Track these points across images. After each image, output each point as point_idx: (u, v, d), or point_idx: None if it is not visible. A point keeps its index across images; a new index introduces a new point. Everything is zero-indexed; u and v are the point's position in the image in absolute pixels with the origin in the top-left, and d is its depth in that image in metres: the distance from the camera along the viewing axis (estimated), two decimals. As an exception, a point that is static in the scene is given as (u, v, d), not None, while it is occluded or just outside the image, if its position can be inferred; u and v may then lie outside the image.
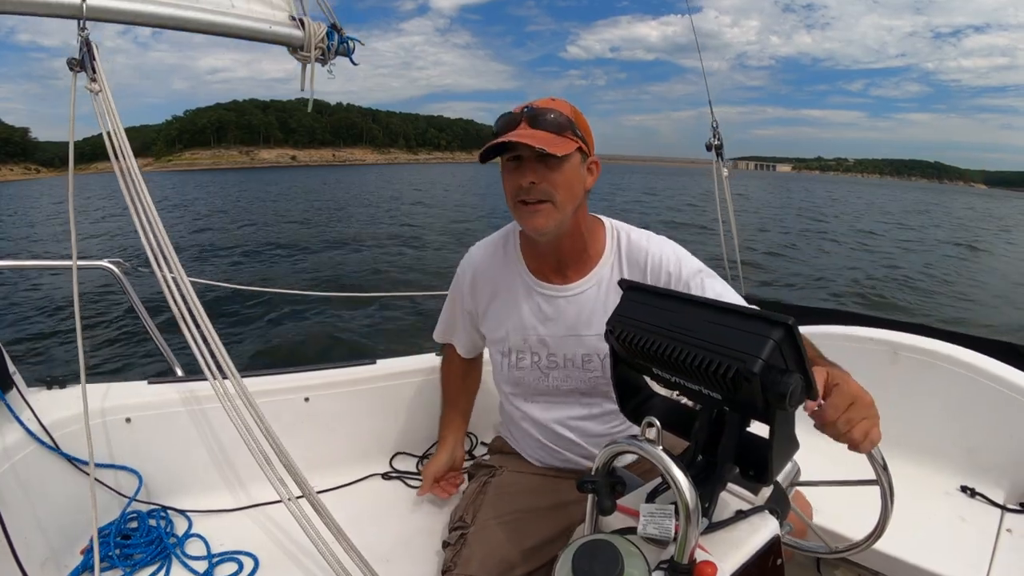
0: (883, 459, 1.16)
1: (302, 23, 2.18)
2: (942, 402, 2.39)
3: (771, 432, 1.01)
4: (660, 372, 1.13)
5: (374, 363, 2.65)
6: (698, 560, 0.99)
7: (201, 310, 1.44)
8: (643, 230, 1.74)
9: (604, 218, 1.76)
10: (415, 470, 2.52)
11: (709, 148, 3.38)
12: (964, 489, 2.27)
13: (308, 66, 2.20)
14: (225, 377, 1.44)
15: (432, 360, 2.71)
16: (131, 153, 1.56)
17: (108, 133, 1.61)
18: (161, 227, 1.51)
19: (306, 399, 2.44)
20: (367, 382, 2.57)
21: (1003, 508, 2.17)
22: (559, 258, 1.70)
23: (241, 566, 1.93)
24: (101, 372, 7.53)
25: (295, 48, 2.19)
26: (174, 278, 1.46)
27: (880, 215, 42.88)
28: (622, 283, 1.23)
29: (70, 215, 1.76)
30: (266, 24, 2.12)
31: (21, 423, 1.93)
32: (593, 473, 1.12)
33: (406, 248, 19.30)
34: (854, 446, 1.06)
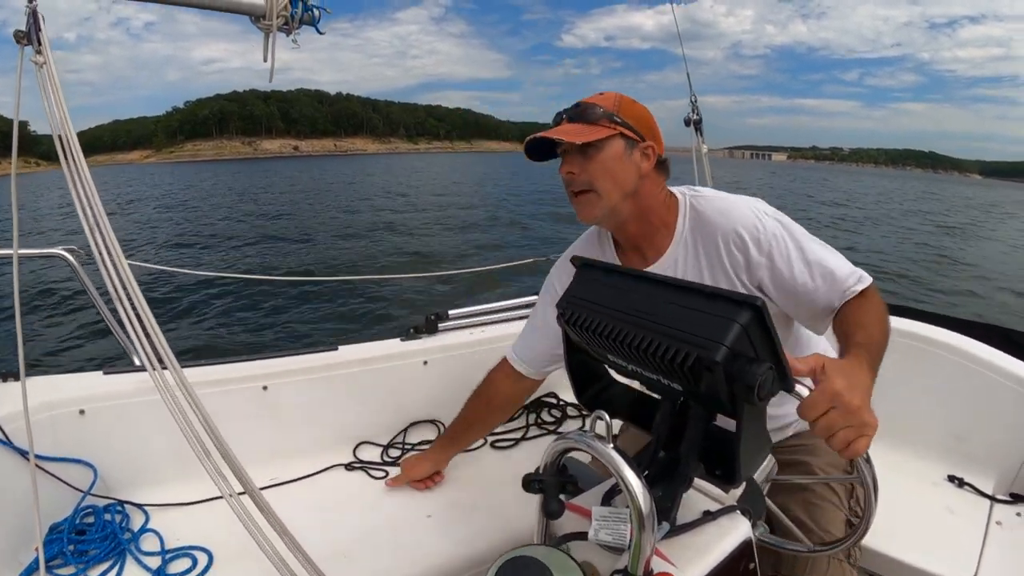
0: (867, 454, 1.06)
1: (265, -9, 2.08)
2: (929, 388, 2.33)
3: (738, 428, 0.90)
4: (616, 360, 1.02)
5: (336, 349, 2.55)
6: (655, 571, 0.90)
7: (139, 295, 1.34)
8: (721, 196, 1.61)
9: (679, 193, 1.65)
10: (379, 460, 2.43)
11: (688, 123, 3.31)
12: (952, 479, 2.23)
13: (271, 36, 2.10)
14: (165, 367, 1.34)
15: (397, 346, 2.63)
16: (72, 129, 1.47)
17: (49, 107, 1.53)
18: (100, 206, 1.40)
19: (264, 388, 2.34)
20: (328, 369, 2.47)
21: (992, 499, 2.13)
22: (633, 243, 1.67)
23: (195, 562, 1.86)
24: (58, 363, 7.47)
25: (257, 18, 2.09)
26: (113, 262, 1.35)
27: (883, 202, 43.15)
28: (573, 260, 1.16)
29: (13, 199, 1.64)
30: (228, -7, 2.01)
31: None
32: (541, 471, 1.02)
33: (384, 233, 19.47)
34: (836, 451, 0.95)
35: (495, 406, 2.12)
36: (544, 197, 32.50)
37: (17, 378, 2.10)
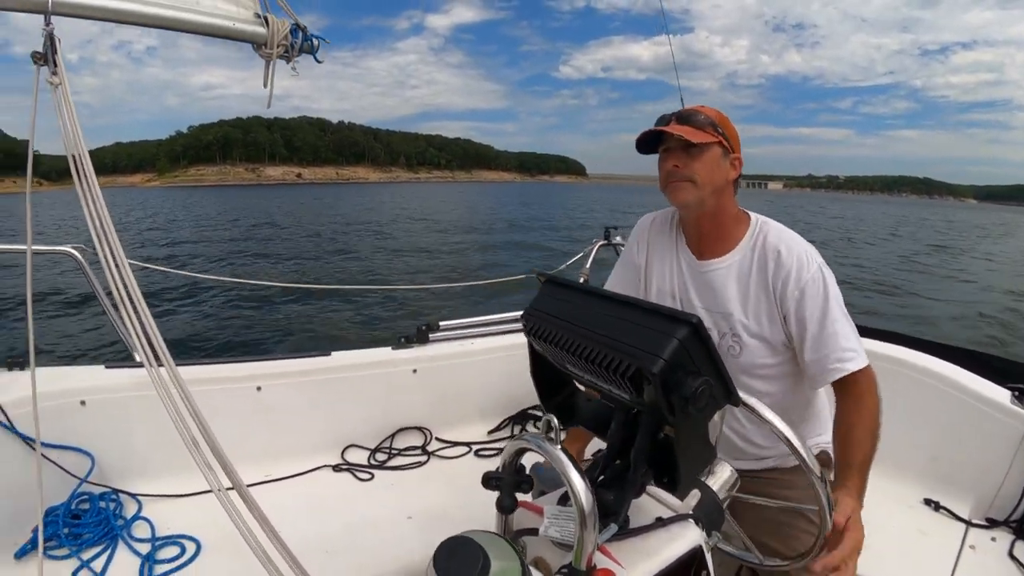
0: (821, 472, 1.13)
1: (267, 20, 2.20)
2: (905, 410, 2.32)
3: (676, 436, 0.96)
4: (574, 370, 1.09)
5: (328, 355, 2.64)
6: (597, 566, 0.95)
7: (138, 293, 1.42)
8: (790, 234, 1.82)
9: (754, 214, 1.88)
10: (366, 462, 2.51)
11: None
12: (928, 502, 2.24)
13: (271, 63, 2.22)
14: (161, 364, 1.41)
15: (388, 354, 2.71)
16: (82, 136, 1.58)
17: (64, 126, 1.63)
18: (106, 212, 1.49)
19: (258, 388, 2.44)
20: (321, 373, 2.56)
21: (967, 523, 2.14)
22: (699, 235, 1.87)
23: (183, 550, 1.94)
24: (63, 355, 7.71)
25: (259, 45, 2.21)
26: (116, 263, 1.44)
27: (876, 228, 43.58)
28: (539, 276, 1.24)
29: (27, 201, 1.75)
30: (230, 21, 2.12)
31: None
32: (500, 469, 1.08)
33: (378, 249, 20.40)
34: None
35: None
36: (534, 223, 33.41)
37: (22, 367, 2.23)
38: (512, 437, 2.68)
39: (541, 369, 1.24)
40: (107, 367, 2.38)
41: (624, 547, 1.03)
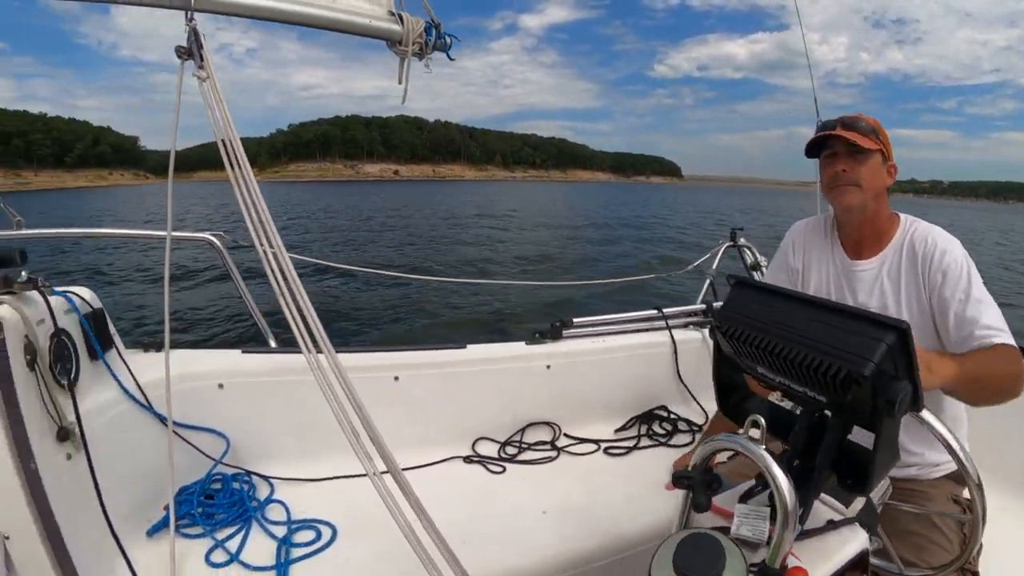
0: (978, 478, 1.12)
1: (401, 18, 2.23)
2: None
3: (876, 440, 0.96)
4: (765, 372, 1.09)
5: (464, 348, 2.68)
6: (790, 566, 0.95)
7: (299, 284, 1.47)
8: (938, 228, 1.85)
9: (903, 215, 1.93)
10: (496, 456, 2.53)
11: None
12: None
13: (406, 60, 2.24)
14: (320, 351, 1.46)
15: (522, 348, 2.74)
16: (235, 131, 1.62)
17: (214, 118, 1.68)
18: (262, 201, 1.55)
19: (396, 378, 2.49)
20: (456, 366, 2.60)
21: None
22: (857, 238, 1.93)
23: (319, 534, 1.98)
24: (199, 339, 8.05)
25: (394, 43, 2.24)
26: (274, 252, 1.49)
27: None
28: (729, 278, 1.25)
29: (168, 190, 1.80)
30: (366, 19, 2.16)
31: (118, 381, 2.04)
32: (691, 468, 1.08)
33: (503, 243, 20.33)
34: None
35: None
36: (651, 223, 32.96)
37: (159, 349, 2.31)
38: (639, 436, 2.77)
39: (722, 371, 1.26)
40: (244, 352, 2.45)
41: (802, 547, 1.04)
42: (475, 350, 2.69)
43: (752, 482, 1.15)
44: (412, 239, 22.75)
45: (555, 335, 2.86)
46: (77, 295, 1.99)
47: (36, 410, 1.60)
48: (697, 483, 1.07)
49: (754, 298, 1.14)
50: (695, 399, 3.05)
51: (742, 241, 3.57)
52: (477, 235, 25.28)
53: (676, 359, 3.05)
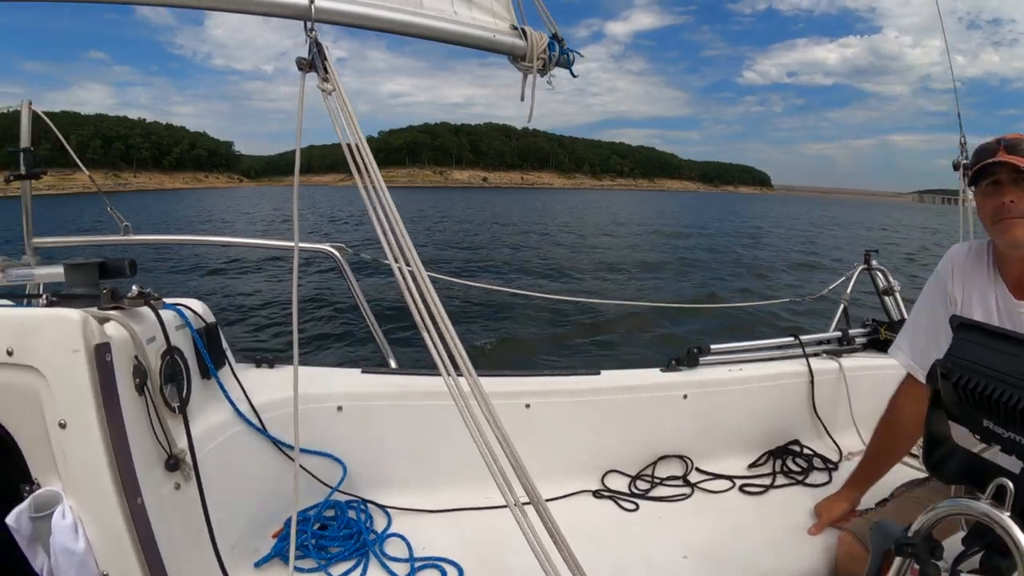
0: None
1: (524, 33, 2.17)
2: None
3: None
4: (994, 426, 0.99)
5: (598, 374, 2.56)
6: None
7: (439, 305, 1.40)
8: None
9: None
10: (627, 490, 2.40)
11: (956, 167, 3.04)
12: None
13: (529, 76, 2.19)
14: (460, 374, 1.38)
15: (657, 376, 2.61)
16: (366, 146, 1.58)
17: (342, 129, 1.64)
18: (398, 219, 1.48)
19: (527, 406, 2.38)
20: (589, 394, 2.48)
21: None
22: (1018, 275, 1.77)
23: (444, 574, 1.86)
24: (311, 355, 7.67)
25: (517, 58, 2.19)
26: (411, 271, 1.42)
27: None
28: (953, 320, 1.14)
29: (294, 201, 1.79)
30: (489, 33, 2.11)
31: (231, 403, 1.96)
32: (911, 534, 0.98)
33: (639, 266, 18.94)
34: None
35: (902, 431, 2.06)
36: (778, 241, 31.55)
37: (271, 366, 2.26)
38: (774, 473, 2.57)
39: (934, 422, 1.14)
40: (364, 372, 2.39)
41: None
42: (610, 377, 2.57)
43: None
44: (519, 249, 22.16)
45: (691, 362, 2.71)
46: (189, 308, 1.91)
47: (145, 439, 1.52)
48: (921, 551, 0.96)
49: (983, 343, 1.03)
50: (829, 434, 2.84)
51: (874, 263, 3.35)
52: (590, 244, 24.54)
53: (812, 391, 2.84)
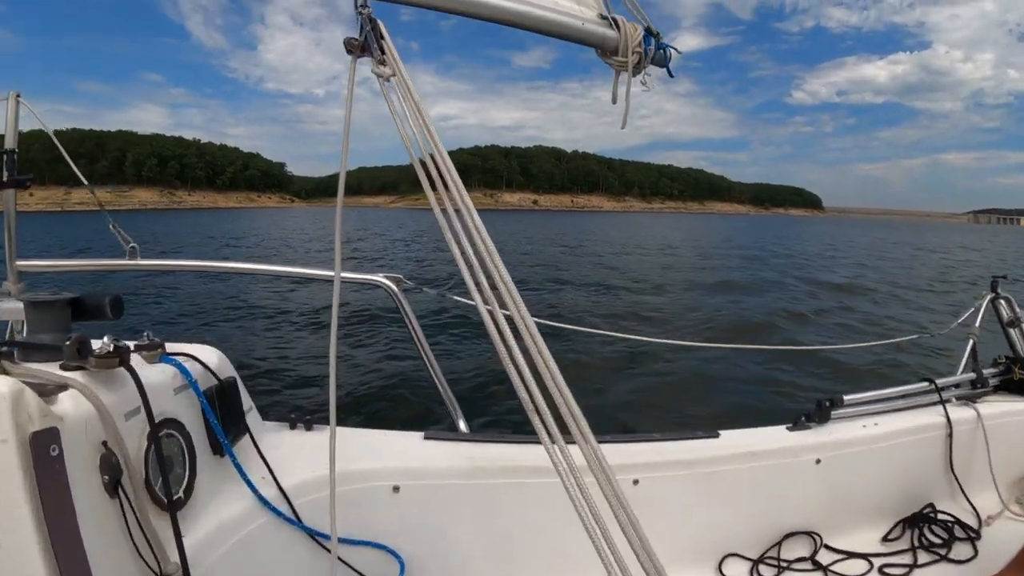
0: None
1: (615, 23, 1.86)
2: None
3: None
4: None
5: (716, 436, 2.18)
6: None
7: (549, 359, 1.02)
8: None
9: None
10: None
11: None
12: None
13: (623, 73, 1.87)
14: (570, 442, 1.02)
15: (784, 436, 2.23)
16: (443, 149, 1.26)
17: (407, 124, 1.32)
18: (491, 247, 1.13)
19: (635, 482, 1.96)
20: (709, 464, 2.07)
21: None
22: None
23: None
24: (360, 413, 6.09)
25: (606, 52, 1.88)
26: (508, 316, 1.06)
27: None
28: None
29: (336, 223, 1.45)
30: (577, 20, 1.80)
31: (252, 487, 1.55)
32: None
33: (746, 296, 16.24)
34: None
35: None
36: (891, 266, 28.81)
37: (309, 427, 1.87)
38: (913, 549, 2.13)
39: None
40: (426, 437, 1.98)
41: None
42: (731, 439, 2.17)
43: None
44: (581, 282, 19.26)
45: (823, 417, 2.32)
46: (196, 359, 1.50)
47: (121, 557, 1.11)
48: None
49: None
50: (965, 494, 2.39)
51: (999, 289, 2.94)
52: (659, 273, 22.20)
53: (950, 445, 2.40)
